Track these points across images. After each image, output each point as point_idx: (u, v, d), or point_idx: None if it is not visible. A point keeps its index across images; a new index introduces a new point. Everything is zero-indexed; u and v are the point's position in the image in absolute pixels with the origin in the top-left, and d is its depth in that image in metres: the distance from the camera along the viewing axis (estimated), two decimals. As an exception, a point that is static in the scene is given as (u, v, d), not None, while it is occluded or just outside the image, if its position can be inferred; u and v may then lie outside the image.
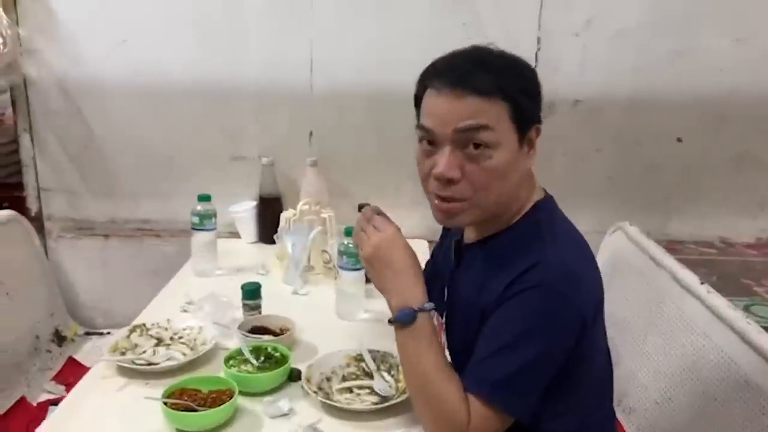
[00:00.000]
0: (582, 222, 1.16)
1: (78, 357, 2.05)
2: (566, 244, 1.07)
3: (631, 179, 2.17)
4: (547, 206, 1.14)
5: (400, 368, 1.30)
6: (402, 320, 1.08)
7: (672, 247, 2.14)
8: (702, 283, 1.53)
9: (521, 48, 2.06)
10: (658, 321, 1.65)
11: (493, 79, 1.02)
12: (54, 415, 1.23)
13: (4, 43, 1.99)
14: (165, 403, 1.15)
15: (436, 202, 1.09)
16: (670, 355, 1.56)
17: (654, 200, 2.19)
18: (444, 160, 1.04)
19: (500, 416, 1.01)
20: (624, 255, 1.93)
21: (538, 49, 2.04)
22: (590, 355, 1.08)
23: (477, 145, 1.03)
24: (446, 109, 1.03)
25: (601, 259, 2.05)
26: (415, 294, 1.10)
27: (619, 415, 1.72)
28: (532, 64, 2.00)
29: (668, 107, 2.09)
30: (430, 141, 1.07)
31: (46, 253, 2.23)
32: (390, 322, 1.11)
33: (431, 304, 1.10)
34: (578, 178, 2.16)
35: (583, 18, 2.03)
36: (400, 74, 2.11)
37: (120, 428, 1.18)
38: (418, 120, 1.10)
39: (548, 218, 1.11)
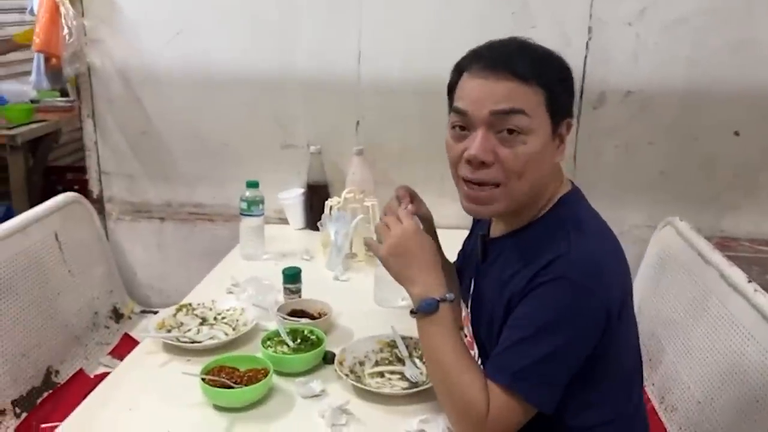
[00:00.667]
0: (632, 216, 1.14)
1: (133, 333, 2.15)
2: (591, 236, 1.07)
3: (685, 173, 2.10)
4: (573, 199, 1.13)
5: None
6: (424, 310, 1.09)
7: (726, 244, 2.07)
8: (749, 282, 1.48)
9: (572, 37, 2.06)
10: (703, 319, 1.62)
11: (531, 65, 1.03)
12: (101, 386, 1.31)
13: (70, 34, 2.09)
14: (203, 380, 1.21)
15: (466, 188, 1.09)
16: (714, 355, 1.53)
17: (708, 196, 2.12)
18: (477, 142, 1.04)
19: (520, 406, 1.01)
20: (673, 250, 1.88)
21: (589, 39, 1.99)
22: (616, 350, 1.07)
23: (511, 131, 1.03)
24: (483, 91, 1.03)
25: (650, 255, 2.01)
26: (437, 285, 1.11)
27: (661, 413, 1.69)
28: (583, 53, 2.02)
29: (725, 100, 2.01)
30: (462, 126, 1.07)
31: (107, 234, 2.34)
32: (412, 312, 1.11)
33: (452, 295, 1.10)
34: (629, 171, 2.11)
35: (637, 7, 1.97)
36: (447, 64, 2.10)
37: (160, 402, 1.24)
38: (450, 107, 1.11)
39: (574, 211, 1.11)
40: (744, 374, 1.40)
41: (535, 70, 1.03)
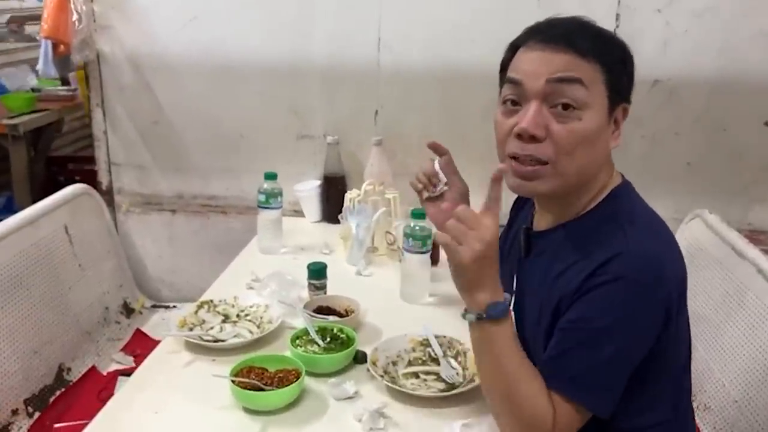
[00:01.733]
0: (658, 208, 1.10)
1: (145, 329, 2.10)
2: (647, 232, 1.01)
3: (713, 165, 2.05)
4: (625, 192, 1.08)
5: (468, 355, 1.27)
6: (496, 316, 0.99)
7: (754, 237, 2.02)
8: (792, 278, 1.44)
9: (599, 24, 1.99)
10: (738, 315, 1.57)
11: (591, 42, 1.00)
12: (124, 388, 1.26)
13: (79, 20, 2.02)
14: (233, 381, 1.15)
15: (514, 165, 1.03)
16: (753, 352, 1.48)
17: (736, 187, 2.07)
18: (530, 115, 0.99)
19: (582, 412, 0.97)
20: (702, 244, 1.83)
21: (617, 26, 1.94)
22: (673, 348, 1.03)
23: (566, 106, 0.98)
24: (540, 61, 1.00)
25: (677, 248, 1.96)
26: (500, 288, 1.02)
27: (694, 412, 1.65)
28: (610, 41, 1.95)
29: (756, 90, 1.95)
30: (514, 101, 1.03)
31: (116, 227, 2.28)
32: (479, 318, 0.99)
33: (510, 297, 1.05)
34: (655, 162, 2.06)
35: (667, -7, 1.92)
36: (469, 52, 2.08)
37: (187, 403, 1.19)
38: (502, 84, 1.07)
39: (627, 205, 1.06)
40: (785, 373, 1.36)
41: (595, 46, 0.99)
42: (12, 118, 3.05)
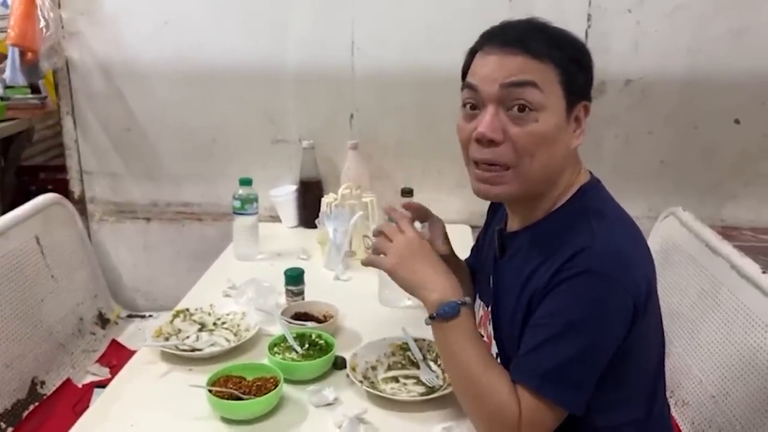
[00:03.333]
0: (632, 207, 1.11)
1: (121, 339, 2.06)
2: (615, 227, 1.02)
3: (685, 163, 2.08)
4: (593, 189, 1.09)
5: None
6: (446, 315, 1.04)
7: (727, 233, 2.05)
8: (764, 272, 1.46)
9: (571, 25, 1.96)
10: (713, 311, 1.59)
11: (545, 43, 1.00)
12: (99, 400, 1.23)
13: (47, 26, 1.98)
14: (210, 391, 1.14)
15: (477, 170, 1.05)
16: (728, 347, 1.50)
17: (709, 185, 2.10)
18: (487, 119, 1.00)
19: (552, 409, 0.97)
20: (676, 241, 1.85)
21: (589, 26, 1.96)
22: (644, 343, 1.03)
23: (522, 108, 0.99)
24: (494, 66, 1.01)
25: (652, 246, 1.95)
26: (453, 288, 1.07)
27: (671, 408, 1.66)
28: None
29: (726, 88, 1.99)
30: (473, 105, 1.04)
31: (89, 236, 2.24)
32: (432, 318, 1.06)
33: (469, 298, 1.07)
34: (629, 161, 2.08)
35: (637, -7, 1.94)
36: (444, 54, 2.07)
37: (164, 415, 1.17)
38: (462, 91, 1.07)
39: (596, 201, 1.06)
40: (761, 366, 1.37)
41: (549, 47, 1.00)
42: (-21, 127, 2.98)
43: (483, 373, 1.01)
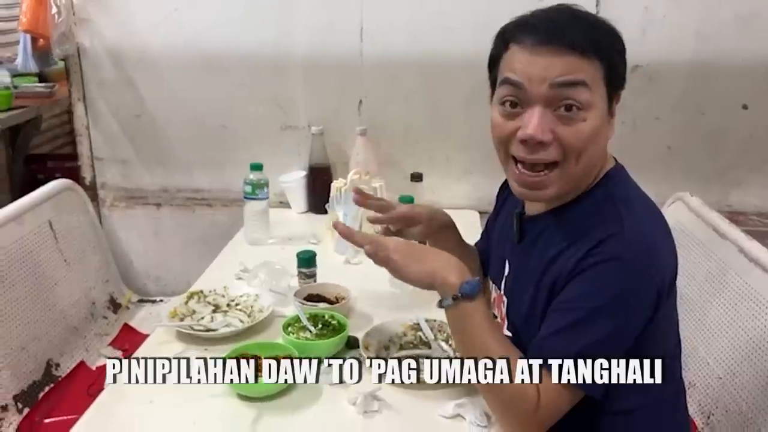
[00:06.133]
0: None
1: (132, 324, 2.09)
2: (642, 214, 1.02)
3: (692, 148, 2.09)
4: (619, 175, 1.09)
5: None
6: (471, 292, 1.02)
7: (734, 218, 2.05)
8: (772, 255, 1.47)
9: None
10: (720, 294, 1.60)
11: (590, 38, 0.97)
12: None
13: (59, 13, 2.00)
14: (226, 361, 1.15)
15: (518, 171, 1.03)
16: (735, 330, 1.51)
17: (715, 170, 2.11)
18: (535, 121, 0.97)
19: (571, 392, 0.97)
20: (684, 226, 1.86)
21: (597, 12, 1.95)
22: (664, 329, 1.04)
23: (569, 107, 0.97)
24: (540, 64, 0.96)
25: (659, 231, 1.99)
26: (467, 270, 1.05)
27: (679, 390, 1.68)
28: (590, 28, 1.97)
29: (734, 73, 1.99)
30: (513, 102, 1.00)
31: (101, 222, 2.26)
32: (455, 298, 1.03)
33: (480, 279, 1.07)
34: (636, 147, 2.08)
35: (646, -22, 1.94)
36: (452, 40, 2.09)
37: (180, 393, 1.19)
38: (494, 81, 1.05)
39: (622, 187, 1.06)
40: (767, 348, 1.39)
41: (593, 42, 0.97)
42: (-12, 115, 2.99)
43: (500, 355, 1.00)
